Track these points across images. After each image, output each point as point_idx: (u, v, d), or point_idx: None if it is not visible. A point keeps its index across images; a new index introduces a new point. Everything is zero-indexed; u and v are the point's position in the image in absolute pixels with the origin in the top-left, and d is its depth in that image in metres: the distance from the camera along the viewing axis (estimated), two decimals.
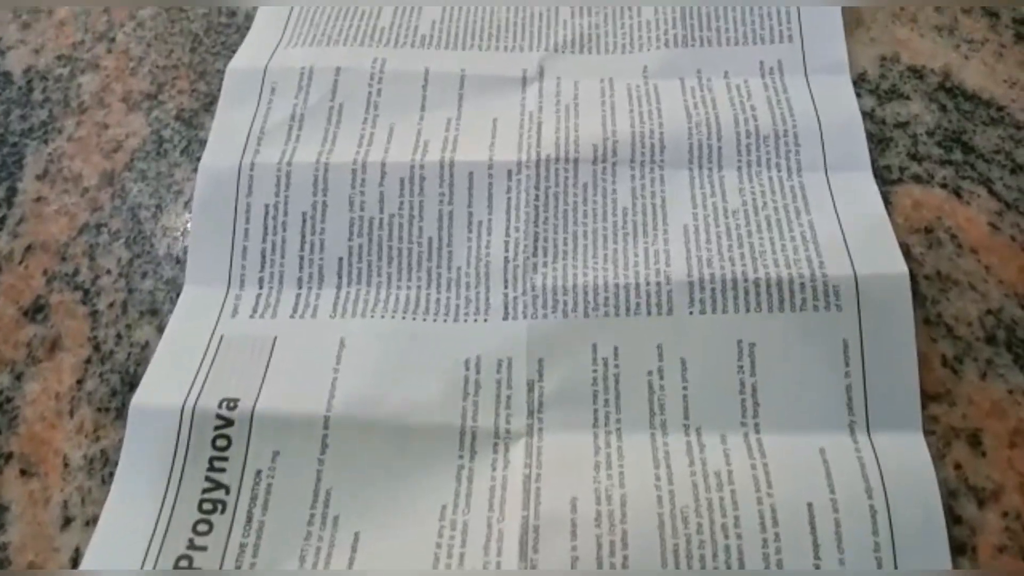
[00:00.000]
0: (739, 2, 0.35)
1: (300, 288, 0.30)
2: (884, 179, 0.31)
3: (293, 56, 0.35)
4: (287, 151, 0.32)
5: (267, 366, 0.28)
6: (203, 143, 0.35)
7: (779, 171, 0.31)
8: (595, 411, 0.27)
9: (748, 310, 0.27)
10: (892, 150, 0.32)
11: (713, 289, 0.28)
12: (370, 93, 0.34)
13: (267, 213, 0.31)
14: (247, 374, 0.28)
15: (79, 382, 0.30)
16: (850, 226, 0.29)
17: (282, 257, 0.31)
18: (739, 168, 0.31)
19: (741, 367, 0.27)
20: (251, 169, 0.32)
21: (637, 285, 0.28)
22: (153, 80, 0.37)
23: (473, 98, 0.34)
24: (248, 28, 0.38)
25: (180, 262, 0.32)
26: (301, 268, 0.30)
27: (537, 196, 0.31)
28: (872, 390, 0.26)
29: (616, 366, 0.27)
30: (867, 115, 0.32)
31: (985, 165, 0.31)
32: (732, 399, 0.27)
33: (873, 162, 0.31)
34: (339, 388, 0.27)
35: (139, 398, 0.28)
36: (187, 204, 0.33)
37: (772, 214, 0.30)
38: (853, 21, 0.35)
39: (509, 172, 0.31)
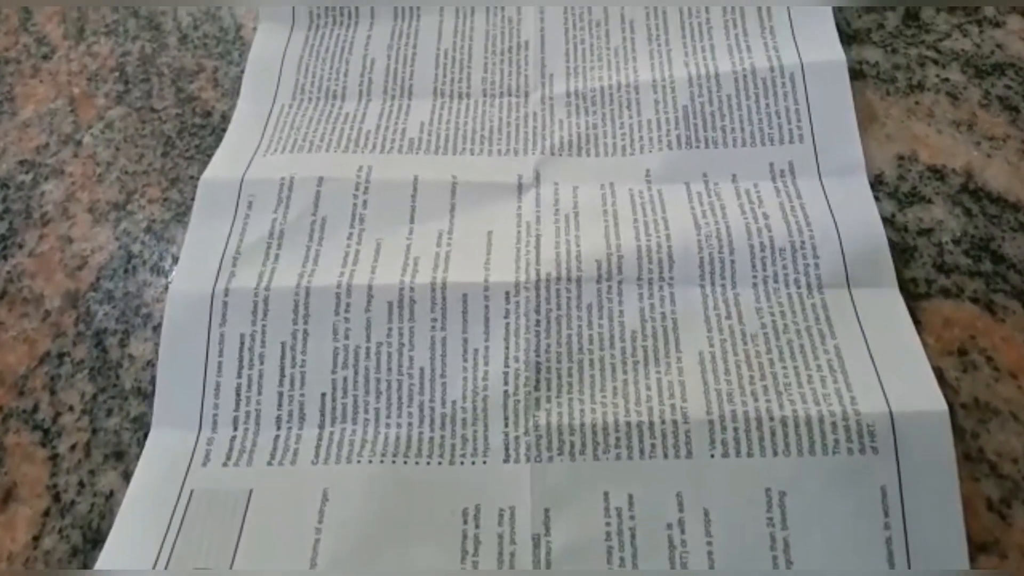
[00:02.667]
0: (743, 98, 0.33)
1: (279, 429, 0.27)
2: (911, 293, 0.29)
3: (272, 164, 0.33)
4: (265, 273, 0.29)
5: (241, 528, 0.25)
6: (175, 259, 0.32)
7: (798, 287, 0.29)
8: (609, 570, 0.24)
9: (776, 453, 0.25)
10: (917, 261, 0.30)
11: (736, 429, 0.25)
12: (355, 205, 0.31)
13: (242, 344, 0.28)
14: (219, 538, 0.25)
15: (35, 539, 0.27)
16: (880, 353, 0.27)
17: (259, 394, 0.28)
18: (755, 285, 0.29)
19: (771, 519, 0.24)
20: (225, 295, 0.29)
21: (651, 424, 0.26)
22: (122, 188, 0.35)
23: (466, 208, 0.31)
24: (224, 130, 0.35)
25: (148, 397, 0.29)
26: (280, 405, 0.28)
27: (538, 321, 0.28)
28: (915, 543, 0.24)
29: (631, 517, 0.25)
30: (887, 221, 0.30)
31: (1017, 276, 0.29)
32: (762, 555, 0.24)
33: (898, 274, 0.29)
34: (322, 552, 0.24)
35: (103, 564, 0.25)
36: (156, 328, 0.31)
37: (795, 338, 0.27)
38: (867, 117, 0.33)
39: (507, 294, 0.29)
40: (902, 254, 0.30)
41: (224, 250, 0.30)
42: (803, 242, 0.29)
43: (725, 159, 0.32)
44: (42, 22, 0.41)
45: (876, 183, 0.32)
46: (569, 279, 0.29)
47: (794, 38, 0.34)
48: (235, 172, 0.32)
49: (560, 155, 0.33)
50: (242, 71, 0.37)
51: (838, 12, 0.36)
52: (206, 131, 0.36)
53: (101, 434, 0.29)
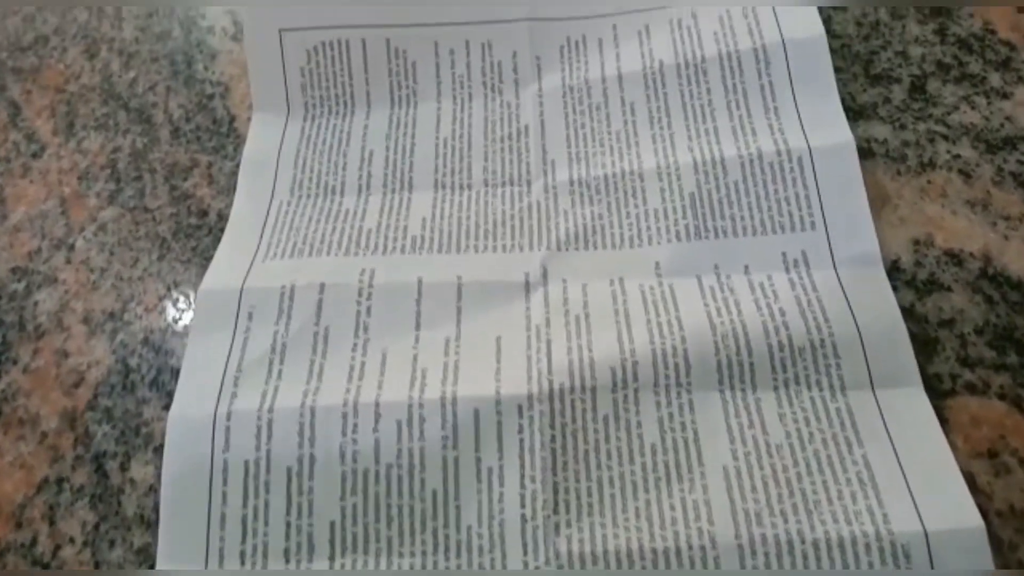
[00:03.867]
0: (751, 184, 0.32)
1: (288, 562, 0.26)
2: (935, 390, 0.28)
3: (272, 271, 0.32)
4: (268, 393, 0.28)
5: None
6: (174, 373, 0.31)
7: (821, 390, 0.28)
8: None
9: None
10: (940, 355, 0.29)
11: (767, 554, 0.24)
12: (359, 312, 0.30)
13: (247, 472, 0.27)
14: None
15: None
16: (910, 463, 0.26)
17: (266, 524, 0.27)
18: (776, 389, 0.28)
19: None
20: (228, 419, 0.28)
21: (678, 550, 0.25)
22: (117, 296, 0.34)
23: (472, 311, 0.30)
24: (221, 230, 0.34)
25: (152, 526, 0.28)
26: (288, 537, 0.27)
27: (553, 436, 0.27)
28: None
29: None
30: (907, 312, 0.29)
31: None
32: None
33: (921, 369, 0.28)
34: None
35: None
36: (157, 450, 0.30)
37: (821, 448, 0.26)
38: (879, 199, 0.32)
39: (519, 408, 0.28)
40: (924, 347, 0.29)
41: (225, 368, 0.29)
42: (823, 340, 0.28)
43: (736, 249, 0.31)
44: (31, 117, 0.40)
45: (892, 270, 0.31)
46: (583, 389, 0.28)
47: (799, 118, 0.34)
48: (234, 281, 0.31)
49: (567, 249, 0.32)
50: (237, 165, 0.37)
51: (843, 87, 0.35)
52: (202, 231, 0.35)
53: (104, 567, 0.28)
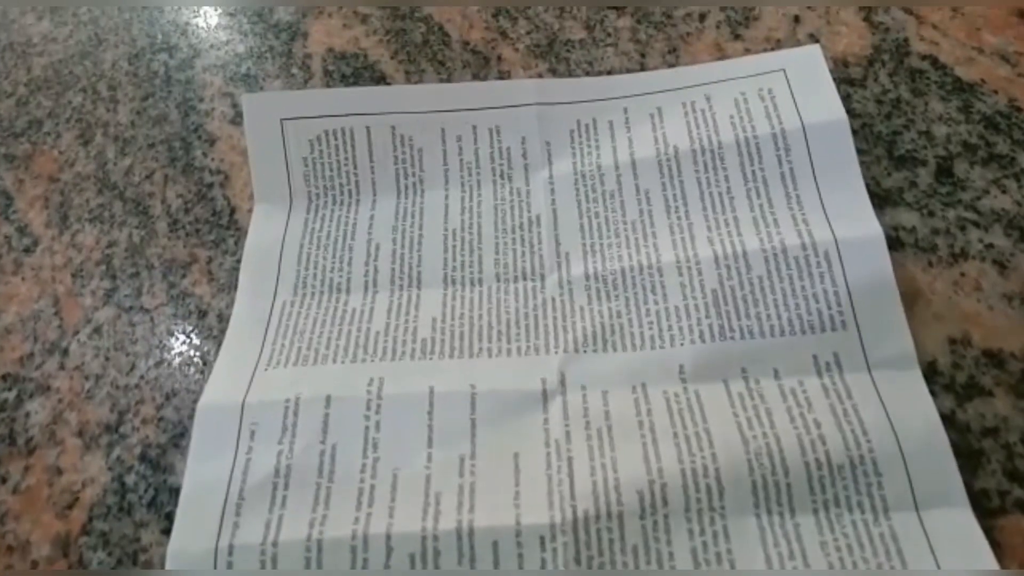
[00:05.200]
0: (775, 280, 0.31)
1: None
2: (982, 508, 0.26)
3: (275, 381, 0.30)
4: (272, 523, 0.27)
5: None
6: (173, 492, 0.30)
7: (863, 512, 0.26)
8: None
9: None
10: (986, 468, 0.27)
11: None
12: (367, 428, 0.29)
13: None
14: None
15: None
16: None
17: None
18: (815, 511, 0.26)
19: None
20: (230, 553, 0.26)
21: None
22: (113, 406, 0.32)
23: (488, 426, 0.29)
24: (222, 331, 0.33)
25: None
26: None
27: (579, 573, 0.25)
28: None
29: None
30: (947, 420, 0.28)
31: None
32: None
33: (967, 485, 0.26)
34: None
35: None
36: None
37: None
38: (910, 293, 0.31)
39: (542, 539, 0.26)
40: (968, 460, 0.27)
41: (226, 495, 0.27)
42: (862, 456, 0.27)
43: (764, 351, 0.30)
44: (24, 208, 0.39)
45: (929, 372, 0.29)
46: (609, 516, 0.26)
47: (823, 208, 0.32)
48: (235, 394, 0.30)
49: (584, 351, 0.31)
50: (238, 260, 0.35)
51: (866, 171, 0.34)
52: (202, 334, 0.34)
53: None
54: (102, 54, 0.45)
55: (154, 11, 0.47)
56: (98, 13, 0.47)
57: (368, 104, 0.37)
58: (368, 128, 0.37)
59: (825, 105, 0.34)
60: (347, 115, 0.37)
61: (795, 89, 0.35)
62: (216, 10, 0.46)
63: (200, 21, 0.46)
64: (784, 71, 0.36)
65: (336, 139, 0.37)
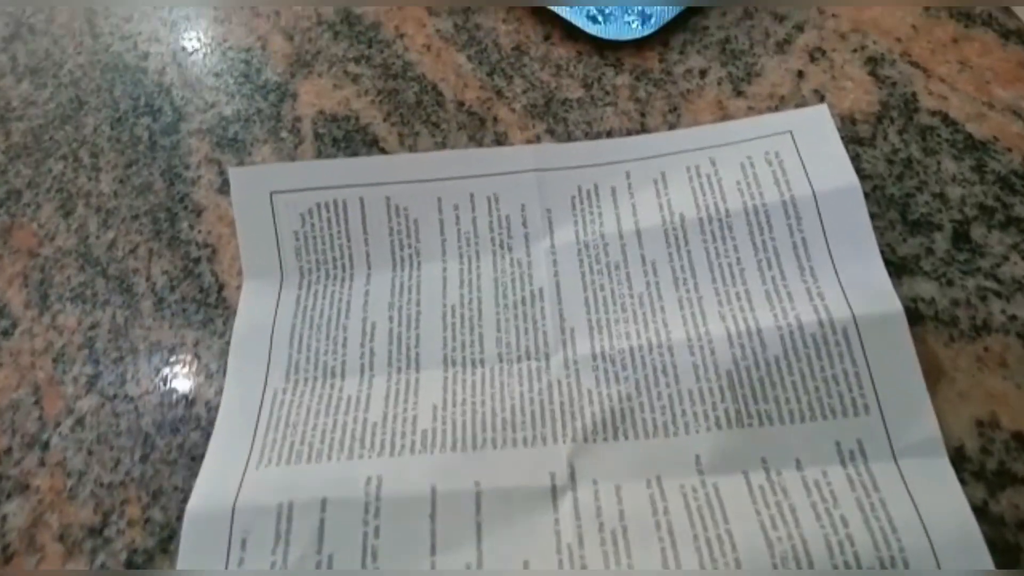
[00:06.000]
0: (792, 360, 0.29)
1: None
2: None
3: (268, 482, 0.28)
4: None
5: None
6: None
7: None
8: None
9: None
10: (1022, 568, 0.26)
11: None
12: (366, 535, 0.27)
13: None
14: None
15: None
16: None
17: None
18: None
19: None
20: None
21: None
22: (97, 506, 0.30)
23: (495, 527, 0.27)
24: (211, 423, 0.31)
25: None
26: None
27: None
28: None
29: None
30: (979, 512, 0.26)
31: None
32: None
33: None
34: None
35: None
36: None
37: None
38: (933, 371, 0.29)
39: None
40: (1004, 556, 0.26)
41: None
42: (892, 558, 0.25)
43: (784, 439, 0.28)
44: (2, 287, 0.37)
45: (957, 458, 0.28)
46: None
47: (839, 281, 0.31)
48: (225, 498, 0.28)
49: (595, 441, 0.29)
50: (227, 343, 0.33)
51: (880, 236, 0.33)
52: (189, 425, 0.32)
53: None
54: (84, 118, 0.44)
55: (137, 72, 0.45)
56: (79, 75, 0.46)
57: (361, 174, 0.36)
58: (361, 199, 0.35)
59: (836, 170, 0.33)
60: (339, 187, 0.35)
61: (803, 153, 0.34)
62: (202, 69, 0.44)
63: (185, 81, 0.44)
64: (791, 133, 0.35)
65: (328, 211, 0.35)
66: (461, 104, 0.41)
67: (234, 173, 0.35)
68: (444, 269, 0.35)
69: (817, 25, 0.41)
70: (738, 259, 0.32)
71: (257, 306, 0.34)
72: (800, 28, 0.41)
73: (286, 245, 0.35)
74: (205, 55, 0.45)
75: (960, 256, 0.32)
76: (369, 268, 0.35)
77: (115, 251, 0.38)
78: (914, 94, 0.37)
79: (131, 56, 0.46)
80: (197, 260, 0.37)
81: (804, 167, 0.33)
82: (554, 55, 0.42)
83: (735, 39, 0.41)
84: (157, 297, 0.36)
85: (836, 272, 0.31)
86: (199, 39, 0.46)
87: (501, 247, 0.35)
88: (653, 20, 0.41)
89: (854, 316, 0.30)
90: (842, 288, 0.31)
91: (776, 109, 0.38)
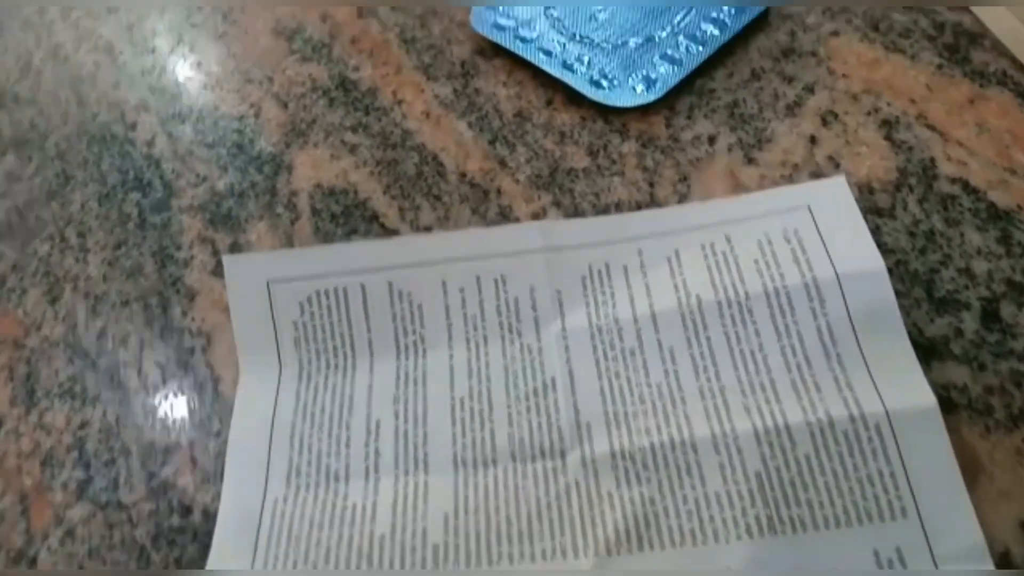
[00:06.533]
0: (824, 459, 0.28)
1: None
2: None
3: None
4: None
5: None
6: None
7: None
8: None
9: None
10: None
11: None
12: None
13: None
14: None
15: None
16: None
17: None
18: None
19: None
20: None
21: None
22: None
23: None
24: (208, 533, 0.29)
25: None
26: None
27: None
28: None
29: None
30: None
31: None
32: None
33: None
34: None
35: None
36: None
37: None
38: (970, 466, 0.28)
39: None
40: None
41: None
42: None
43: (819, 547, 0.27)
44: None
45: (1001, 563, 0.26)
46: None
47: (868, 369, 0.29)
48: None
49: (619, 553, 0.27)
50: (224, 443, 0.32)
51: (906, 315, 0.31)
52: (186, 536, 0.30)
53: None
54: (71, 194, 0.42)
55: (125, 143, 0.44)
56: (66, 147, 0.44)
57: (361, 259, 0.34)
58: (363, 285, 0.34)
59: (858, 250, 0.32)
60: (339, 273, 0.34)
61: (823, 230, 0.33)
62: (193, 139, 0.43)
63: (175, 153, 0.43)
64: (809, 208, 0.33)
65: (328, 299, 0.34)
66: (463, 175, 0.39)
67: (229, 262, 0.34)
68: (451, 357, 0.33)
69: (828, 86, 0.40)
70: (760, 345, 0.31)
71: (255, 403, 0.32)
72: (810, 90, 0.40)
73: (284, 336, 0.33)
74: (196, 124, 0.44)
75: (991, 337, 0.31)
76: (372, 356, 0.33)
77: (105, 341, 0.36)
78: (932, 160, 0.36)
79: (119, 126, 0.45)
80: (191, 351, 0.35)
81: (825, 246, 0.32)
82: (557, 121, 0.41)
83: (743, 102, 0.40)
84: (150, 392, 0.34)
85: (864, 359, 0.30)
86: (189, 107, 0.45)
87: (510, 332, 0.33)
88: (658, 85, 0.40)
89: (887, 411, 0.28)
90: (872, 378, 0.29)
91: (790, 177, 0.37)
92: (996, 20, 0.40)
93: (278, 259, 0.34)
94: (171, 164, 0.42)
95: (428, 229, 0.38)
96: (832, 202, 0.33)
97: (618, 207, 0.37)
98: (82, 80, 0.48)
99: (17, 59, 0.50)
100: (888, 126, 0.38)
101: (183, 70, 0.47)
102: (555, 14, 0.44)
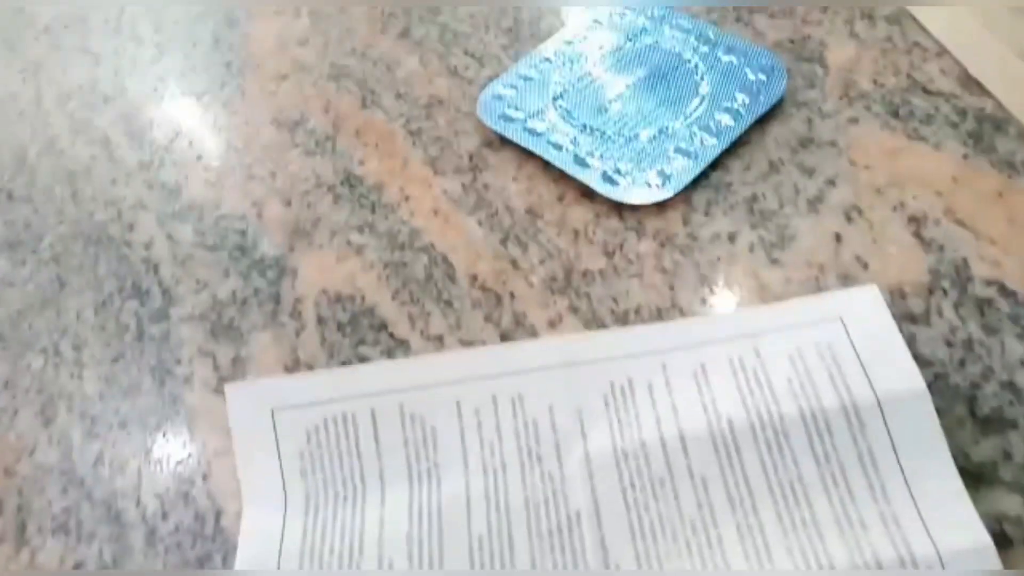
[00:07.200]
0: None
1: None
2: None
3: None
4: None
5: None
6: None
7: None
8: None
9: None
10: None
11: None
12: None
13: None
14: None
15: None
16: None
17: None
18: None
19: None
20: None
21: None
22: None
23: None
24: None
25: None
26: None
27: None
28: None
29: None
30: None
31: None
32: None
33: None
34: None
35: None
36: None
37: None
38: None
39: None
40: None
41: None
42: None
43: None
44: None
45: None
46: None
47: (914, 502, 0.28)
48: None
49: None
50: None
51: (950, 437, 0.29)
52: None
53: None
54: (66, 301, 0.41)
55: (122, 246, 0.42)
56: (61, 249, 0.43)
57: (370, 382, 0.33)
58: (372, 410, 0.32)
59: (896, 368, 0.30)
60: (347, 398, 0.32)
61: (858, 345, 0.31)
62: (193, 241, 0.41)
63: (174, 256, 0.41)
64: (841, 319, 0.32)
65: (336, 427, 0.32)
66: (474, 278, 0.38)
67: (231, 390, 0.32)
68: (467, 488, 0.31)
69: (850, 179, 0.38)
70: (799, 475, 0.29)
71: (259, 541, 0.30)
72: (832, 183, 0.38)
73: (290, 467, 0.31)
74: (196, 224, 0.42)
75: None
76: (383, 486, 0.31)
77: (101, 468, 0.34)
78: (965, 260, 0.35)
79: (116, 226, 0.43)
80: (192, 481, 0.33)
81: (861, 363, 0.30)
82: (570, 218, 0.39)
83: (762, 196, 0.39)
84: (148, 527, 0.32)
85: (910, 491, 0.28)
86: (189, 204, 0.43)
87: (529, 457, 0.31)
88: (674, 180, 0.39)
89: (938, 552, 0.26)
90: (919, 512, 0.27)
91: (816, 279, 0.35)
92: (1021, 106, 0.39)
93: (283, 386, 0.33)
94: (170, 269, 0.41)
95: (439, 338, 0.36)
96: (865, 314, 0.32)
97: (638, 313, 0.35)
98: (77, 175, 0.47)
99: (12, 153, 0.49)
100: (916, 222, 0.36)
101: (182, 164, 0.46)
102: (564, 105, 0.43)
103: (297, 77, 0.49)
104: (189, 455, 0.34)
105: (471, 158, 0.43)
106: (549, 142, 0.41)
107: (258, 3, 0.54)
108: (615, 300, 0.36)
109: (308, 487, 0.31)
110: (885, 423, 0.29)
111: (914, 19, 0.45)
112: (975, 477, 0.29)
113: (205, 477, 0.33)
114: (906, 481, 0.28)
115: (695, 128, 0.40)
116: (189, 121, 0.48)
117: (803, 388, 0.30)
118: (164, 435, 0.35)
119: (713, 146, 0.40)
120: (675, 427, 0.31)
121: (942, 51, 0.43)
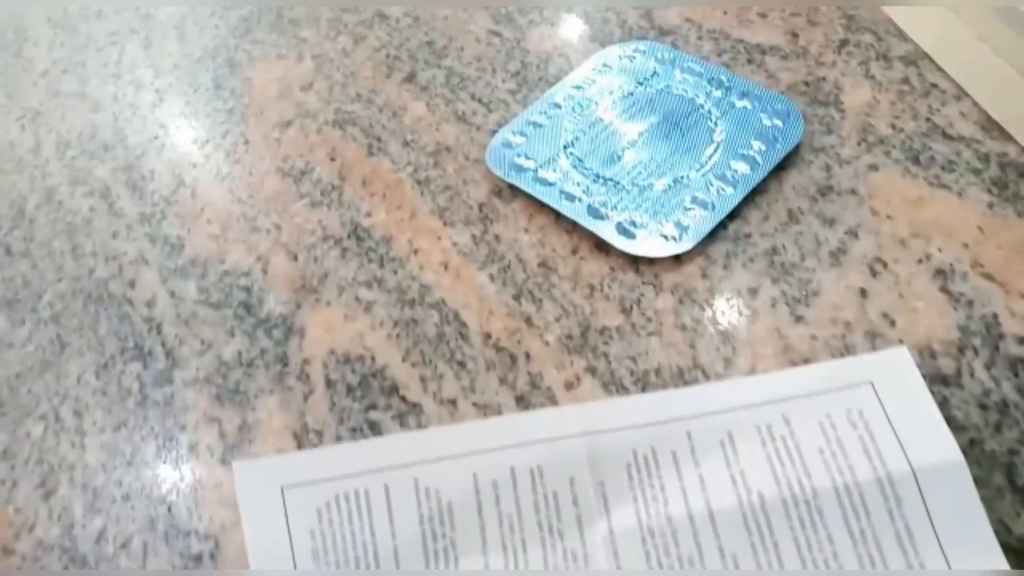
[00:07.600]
0: None
1: None
2: None
3: None
4: None
5: None
6: None
7: None
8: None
9: None
10: None
11: None
12: None
13: None
14: None
15: None
16: None
17: None
18: None
19: None
20: None
21: None
22: None
23: None
24: None
25: None
26: None
27: None
28: None
29: None
30: None
31: None
32: None
33: None
34: None
35: None
36: None
37: None
38: None
39: None
40: None
41: None
42: None
43: None
44: None
45: None
46: None
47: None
48: None
49: None
50: None
51: (988, 507, 0.28)
52: None
53: None
54: (66, 364, 0.39)
55: (124, 304, 0.41)
56: (60, 308, 0.42)
57: (383, 456, 0.31)
58: (386, 486, 0.31)
59: (932, 437, 0.29)
60: (360, 473, 0.31)
61: (890, 412, 0.30)
62: (197, 299, 0.40)
63: (177, 315, 0.40)
64: (872, 384, 0.31)
65: (348, 503, 0.31)
66: (488, 336, 0.37)
67: (239, 468, 0.31)
68: (485, 566, 0.30)
69: (872, 229, 0.37)
70: (835, 553, 0.28)
71: None
72: (854, 234, 0.37)
73: (301, 546, 0.30)
74: (200, 280, 0.41)
75: None
76: (397, 565, 0.30)
77: (104, 545, 0.33)
78: (995, 316, 0.34)
79: (117, 283, 0.42)
80: (198, 557, 0.32)
81: (895, 431, 0.29)
82: (585, 272, 0.38)
83: (783, 249, 0.37)
84: None
85: (941, 549, 0.27)
86: (192, 259, 0.42)
87: (551, 533, 0.30)
88: (691, 232, 0.38)
89: None
90: None
91: (842, 337, 0.34)
92: None
93: (293, 463, 0.31)
94: (173, 328, 0.40)
95: (453, 402, 0.35)
96: (896, 378, 0.31)
97: (658, 374, 0.34)
98: (77, 228, 0.45)
99: (10, 205, 0.48)
100: (943, 276, 0.35)
101: (185, 217, 0.44)
102: (576, 153, 0.42)
103: (301, 123, 0.48)
104: (195, 531, 0.33)
105: (481, 208, 0.42)
106: (562, 192, 0.40)
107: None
108: (634, 360, 0.35)
109: (320, 567, 0.30)
110: (922, 496, 0.28)
111: (931, 59, 0.44)
112: (1018, 553, 0.28)
113: (212, 555, 0.32)
114: (945, 558, 0.27)
115: (711, 177, 0.39)
116: (191, 171, 0.47)
117: (835, 459, 0.29)
118: (169, 510, 0.33)
119: (730, 196, 0.39)
120: (703, 501, 0.30)
121: (961, 94, 0.42)
